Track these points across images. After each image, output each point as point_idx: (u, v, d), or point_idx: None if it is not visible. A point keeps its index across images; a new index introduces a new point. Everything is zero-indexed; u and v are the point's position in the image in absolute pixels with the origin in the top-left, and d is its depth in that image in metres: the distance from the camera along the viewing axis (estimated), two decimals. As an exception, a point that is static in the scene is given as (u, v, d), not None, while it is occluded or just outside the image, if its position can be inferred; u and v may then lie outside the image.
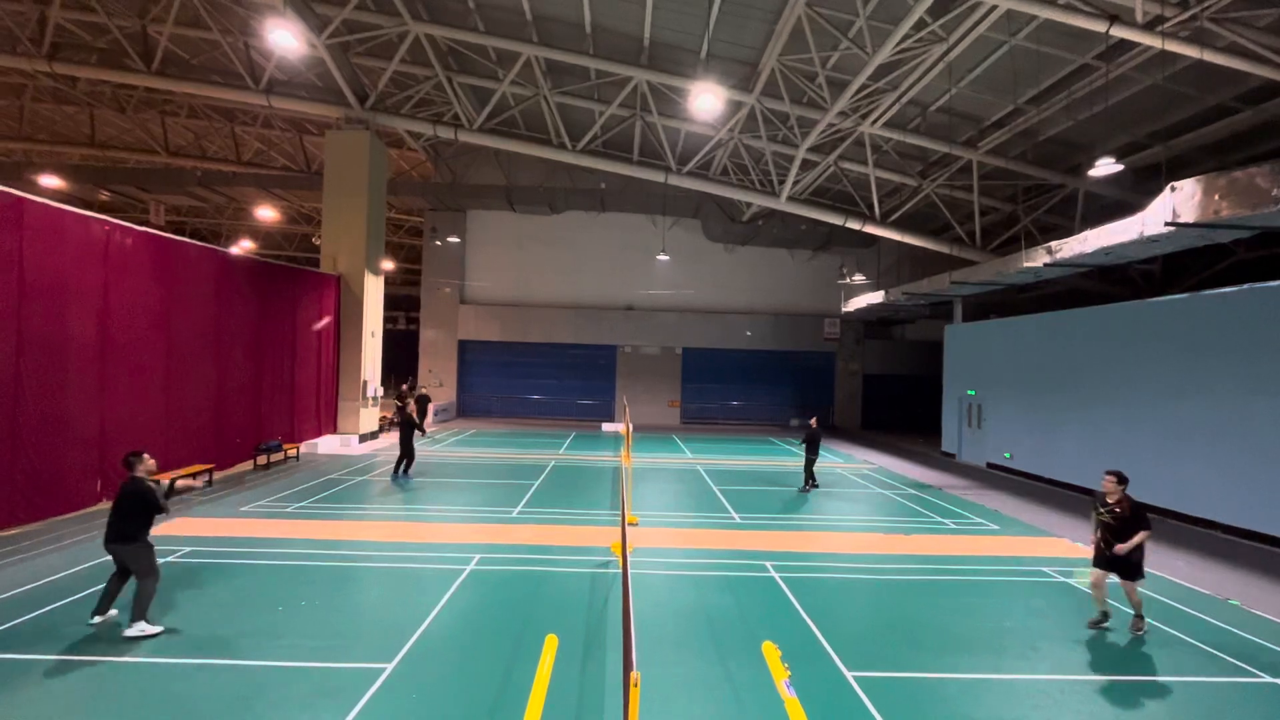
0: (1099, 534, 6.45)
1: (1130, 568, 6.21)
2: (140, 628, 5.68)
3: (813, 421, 14.10)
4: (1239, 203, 8.92)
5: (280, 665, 5.27)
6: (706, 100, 15.32)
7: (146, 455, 6.28)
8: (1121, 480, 6.27)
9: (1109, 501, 6.28)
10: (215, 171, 26.12)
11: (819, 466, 14.21)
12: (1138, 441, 12.84)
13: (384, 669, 5.26)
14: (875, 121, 15.50)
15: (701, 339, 27.75)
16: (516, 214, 27.13)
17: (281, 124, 24.47)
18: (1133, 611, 6.46)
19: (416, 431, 14.12)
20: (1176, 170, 14.40)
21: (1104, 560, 6.35)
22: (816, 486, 13.76)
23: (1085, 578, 6.74)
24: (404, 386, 20.50)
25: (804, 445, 13.72)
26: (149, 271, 11.14)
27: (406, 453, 13.58)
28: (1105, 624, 6.44)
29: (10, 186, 8.74)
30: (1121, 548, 6.08)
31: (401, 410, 16.57)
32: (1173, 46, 10.21)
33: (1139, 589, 6.37)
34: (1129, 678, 5.56)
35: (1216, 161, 14.44)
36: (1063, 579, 8.23)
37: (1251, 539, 10.41)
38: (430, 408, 21.51)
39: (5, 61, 17.48)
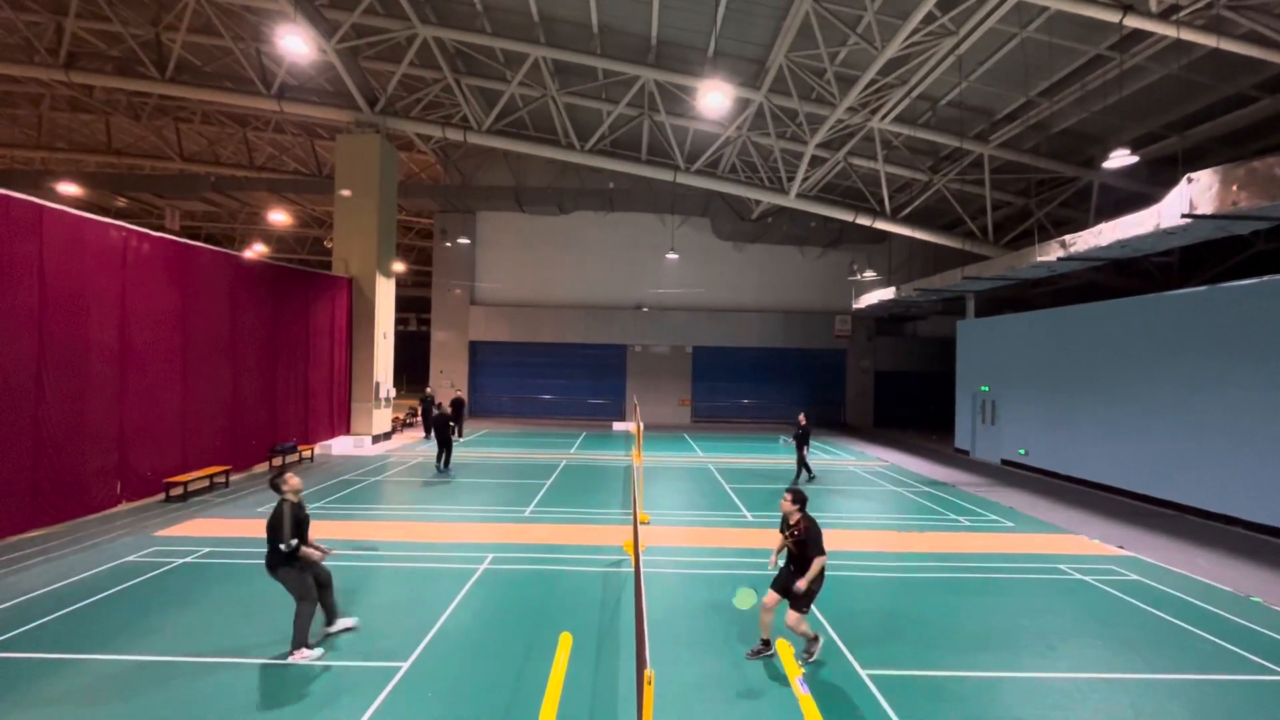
0: (781, 555, 5.75)
1: (797, 597, 5.35)
2: (301, 654, 5.42)
3: (801, 418, 14.29)
4: (1258, 193, 8.76)
5: (298, 663, 5.33)
6: (714, 98, 15.29)
7: (289, 474, 5.88)
8: (798, 499, 5.54)
9: (790, 524, 5.55)
10: (228, 176, 26.42)
11: (815, 463, 14.72)
12: (1155, 437, 12.67)
13: (400, 667, 5.31)
14: (885, 117, 15.40)
15: (712, 337, 27.70)
16: (526, 215, 27.22)
17: (293, 129, 24.70)
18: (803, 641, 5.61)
19: (454, 432, 16.18)
20: (1193, 161, 14.20)
21: (780, 584, 5.56)
22: (813, 478, 14.26)
23: None
24: (428, 390, 20.95)
25: (794, 442, 14.31)
26: (165, 276, 11.31)
27: (444, 445, 14.67)
28: (769, 653, 5.60)
29: (29, 194, 8.90)
30: (801, 583, 5.27)
31: (432, 406, 18.56)
32: (1188, 35, 10.07)
33: (804, 621, 5.42)
34: (1148, 676, 5.49)
35: (1234, 151, 14.22)
36: (1080, 576, 8.14)
37: (1273, 535, 10.24)
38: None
39: (24, 71, 17.80)
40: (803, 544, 5.42)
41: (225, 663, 5.33)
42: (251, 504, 10.96)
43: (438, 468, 14.61)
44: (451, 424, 18.50)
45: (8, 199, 8.40)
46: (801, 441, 14.13)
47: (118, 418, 10.13)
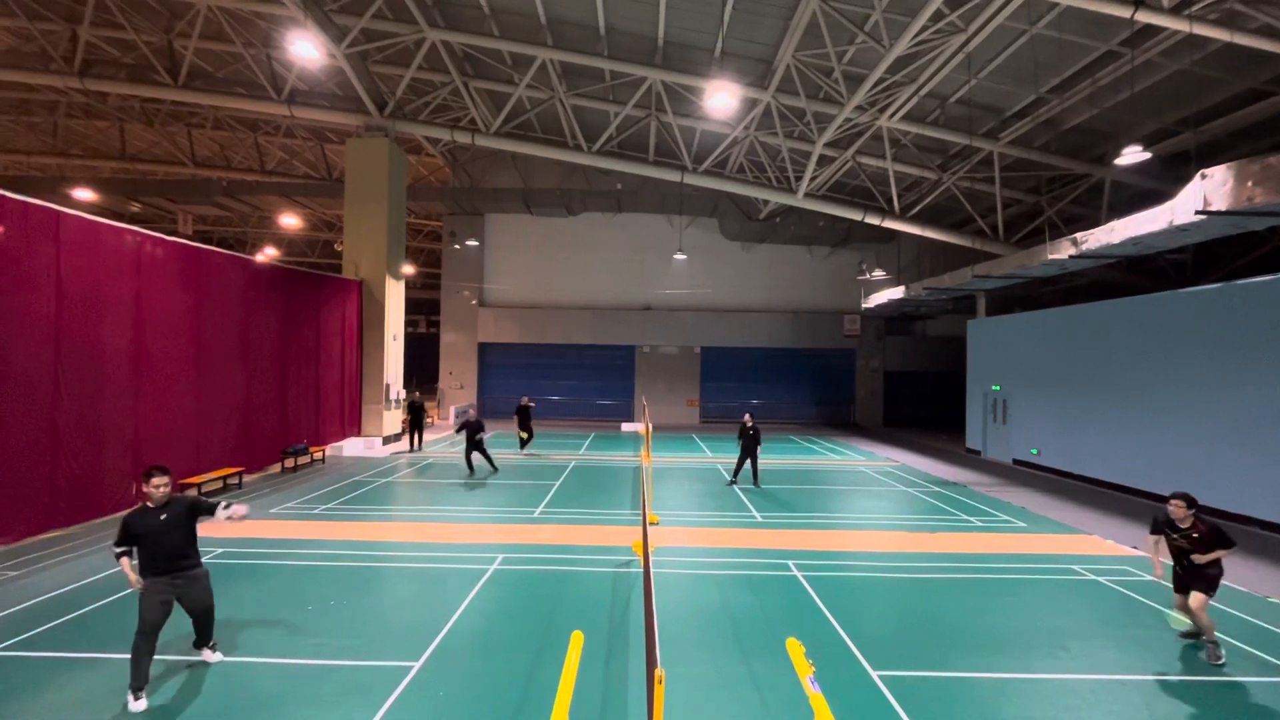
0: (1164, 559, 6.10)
1: (1205, 580, 5.72)
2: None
3: (746, 419, 13.65)
4: (1273, 189, 8.65)
5: (311, 664, 5.38)
6: (721, 98, 15.29)
7: (158, 474, 5.21)
8: (1191, 504, 5.81)
9: (1183, 526, 5.80)
10: (240, 181, 26.70)
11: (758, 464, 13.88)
12: (1169, 436, 12.53)
13: (411, 667, 5.34)
14: (893, 115, 15.33)
15: (720, 338, 27.68)
16: (534, 216, 27.31)
17: (303, 133, 24.93)
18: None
19: (522, 439, 17.36)
20: (1207, 157, 14.04)
21: (1183, 585, 5.88)
22: (733, 483, 13.58)
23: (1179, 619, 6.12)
24: (417, 394, 20.15)
25: (741, 443, 13.57)
26: (179, 280, 11.44)
27: (477, 451, 14.38)
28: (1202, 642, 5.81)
29: (46, 200, 9.04)
30: (1203, 558, 5.67)
31: (423, 412, 18.12)
32: (1201, 30, 9.96)
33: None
34: (1163, 677, 5.44)
35: (1249, 147, 14.04)
36: (1093, 577, 8.07)
37: (1292, 535, 10.10)
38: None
39: (40, 79, 18.09)
40: (1207, 545, 5.69)
41: (239, 662, 5.39)
42: (264, 505, 11.06)
43: (487, 467, 14.60)
44: (523, 434, 17.56)
45: (26, 205, 8.53)
46: (752, 444, 13.29)
47: (133, 420, 10.25)
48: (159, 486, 5.12)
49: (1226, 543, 5.66)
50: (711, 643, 5.91)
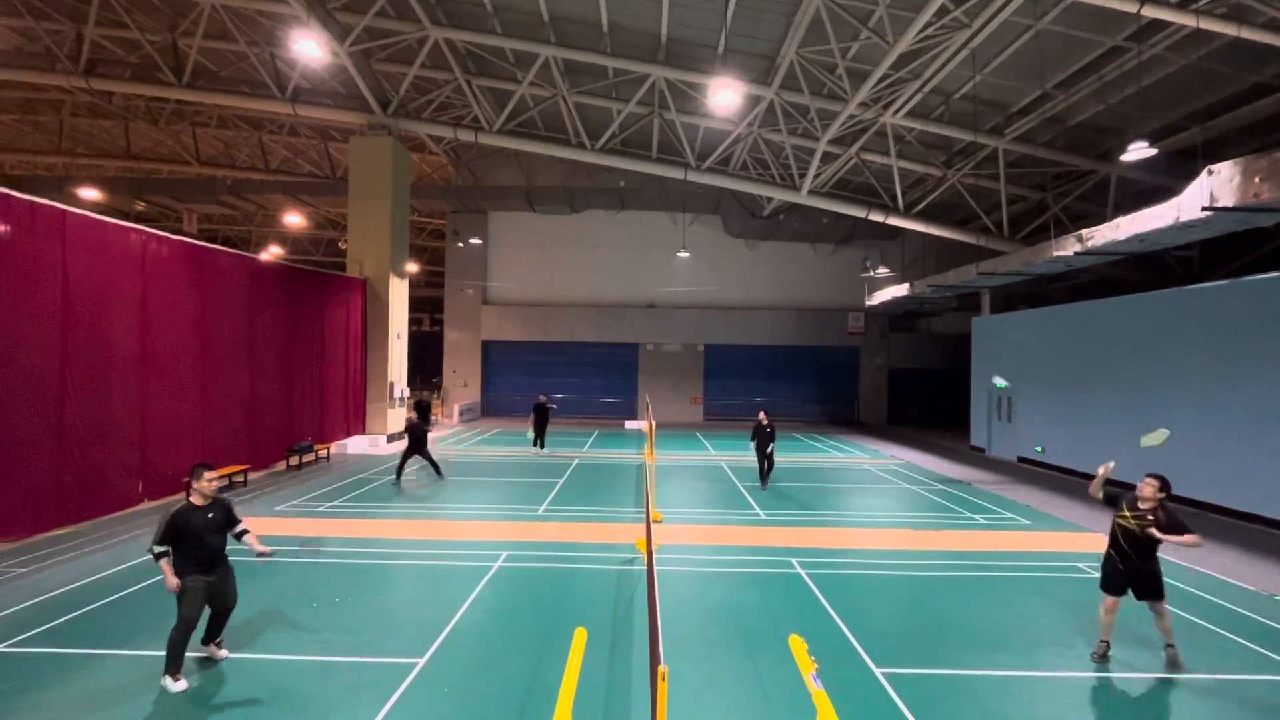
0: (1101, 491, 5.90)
1: (1158, 588, 5.49)
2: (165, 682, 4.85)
3: (761, 416, 13.34)
4: (1281, 185, 8.60)
5: (315, 660, 5.41)
6: (724, 95, 15.26)
7: (207, 472, 5.22)
8: (1165, 487, 5.47)
9: (1144, 508, 5.45)
10: (244, 180, 26.79)
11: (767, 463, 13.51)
12: (1176, 433, 12.39)
13: (416, 664, 5.36)
14: (897, 111, 15.25)
15: (724, 335, 27.66)
16: (537, 214, 27.31)
17: (307, 131, 24.97)
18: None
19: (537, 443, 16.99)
20: (1214, 153, 13.94)
21: (1118, 585, 5.62)
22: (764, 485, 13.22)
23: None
24: (423, 394, 19.65)
25: (755, 442, 13.28)
26: (184, 279, 11.48)
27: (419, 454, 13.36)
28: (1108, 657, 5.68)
29: (52, 199, 9.08)
30: (1171, 538, 5.26)
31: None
32: (1208, 25, 9.89)
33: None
34: (1169, 675, 5.42)
35: (1256, 143, 13.94)
36: (1098, 574, 8.02)
37: (1298, 533, 10.05)
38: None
39: (46, 79, 18.15)
40: (1161, 531, 5.35)
41: (244, 659, 5.42)
42: (269, 503, 11.11)
43: (398, 480, 13.10)
44: (534, 431, 17.08)
45: (33, 204, 8.57)
46: (767, 441, 13.10)
47: (139, 418, 10.30)
48: (211, 481, 5.17)
49: (1183, 530, 5.32)
50: (715, 639, 5.92)
